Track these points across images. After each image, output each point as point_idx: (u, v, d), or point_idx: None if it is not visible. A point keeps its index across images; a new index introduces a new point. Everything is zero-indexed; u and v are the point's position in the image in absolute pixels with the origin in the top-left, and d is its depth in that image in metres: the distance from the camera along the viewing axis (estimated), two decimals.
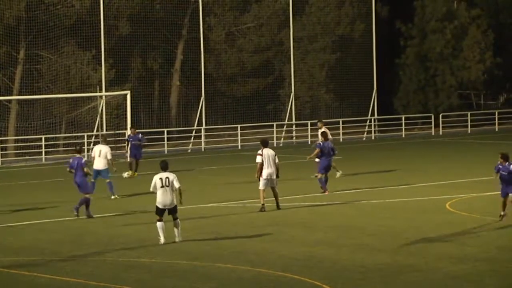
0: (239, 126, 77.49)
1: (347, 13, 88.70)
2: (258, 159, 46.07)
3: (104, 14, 76.65)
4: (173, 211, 36.37)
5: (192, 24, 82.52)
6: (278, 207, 46.37)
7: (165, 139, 76.76)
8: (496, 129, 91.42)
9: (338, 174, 58.40)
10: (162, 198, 36.43)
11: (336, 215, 46.90)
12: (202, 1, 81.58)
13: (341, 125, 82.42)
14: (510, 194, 37.24)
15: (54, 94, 76.86)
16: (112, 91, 76.42)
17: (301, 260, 33.85)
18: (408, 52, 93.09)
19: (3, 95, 75.48)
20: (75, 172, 44.58)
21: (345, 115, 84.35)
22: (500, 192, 38.40)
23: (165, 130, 77.44)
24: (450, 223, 42.45)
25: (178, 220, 36.72)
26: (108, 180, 49.06)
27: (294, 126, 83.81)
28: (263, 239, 40.04)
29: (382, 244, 36.87)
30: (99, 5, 76.53)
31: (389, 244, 36.92)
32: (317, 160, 54.61)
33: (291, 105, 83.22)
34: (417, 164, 69.54)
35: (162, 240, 36.04)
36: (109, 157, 49.87)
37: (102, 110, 75.00)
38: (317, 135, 66.99)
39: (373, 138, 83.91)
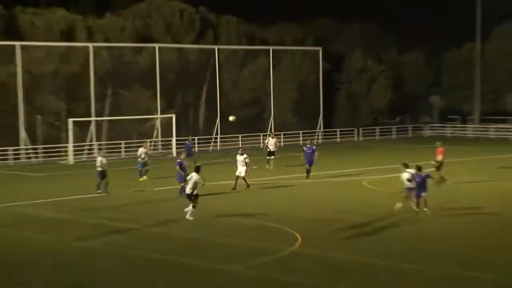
0: (240, 135, 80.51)
1: (305, 68, 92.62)
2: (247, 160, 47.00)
3: (159, 67, 78.82)
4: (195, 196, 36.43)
5: (212, 74, 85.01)
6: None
7: (196, 144, 75.50)
8: (394, 137, 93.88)
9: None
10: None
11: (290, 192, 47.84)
12: (218, 62, 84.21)
13: (300, 135, 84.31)
14: (423, 194, 36.08)
15: (129, 116, 77.40)
16: (163, 115, 78.80)
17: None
18: (341, 92, 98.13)
19: (98, 117, 75.63)
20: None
21: (303, 128, 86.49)
22: (415, 194, 36.39)
23: (196, 138, 77.11)
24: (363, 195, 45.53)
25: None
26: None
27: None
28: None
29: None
30: (155, 63, 78.75)
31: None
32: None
33: (271, 123, 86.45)
34: (346, 158, 72.09)
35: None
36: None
37: (158, 126, 78.97)
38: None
39: (320, 142, 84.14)
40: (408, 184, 36.58)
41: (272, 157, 61.17)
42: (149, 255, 29.25)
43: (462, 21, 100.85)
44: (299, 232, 32.87)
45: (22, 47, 72.53)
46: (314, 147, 55.63)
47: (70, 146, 70.44)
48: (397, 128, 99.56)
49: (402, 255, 28.56)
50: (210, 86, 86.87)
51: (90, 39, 79.01)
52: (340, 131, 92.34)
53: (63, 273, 27.01)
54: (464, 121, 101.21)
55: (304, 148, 55.83)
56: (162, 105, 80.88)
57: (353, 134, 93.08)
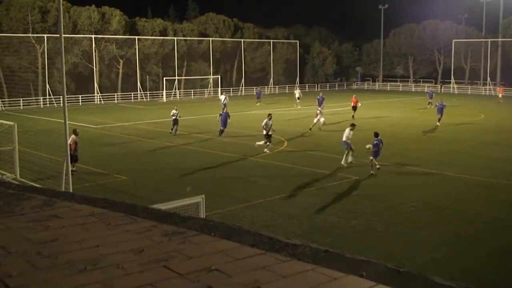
0: (254, 87, 73.90)
1: (289, 52, 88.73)
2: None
3: (212, 50, 75.84)
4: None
5: (240, 55, 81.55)
6: None
7: (231, 92, 76.34)
8: (336, 89, 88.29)
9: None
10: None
11: None
12: (243, 48, 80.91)
13: (286, 87, 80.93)
14: (373, 158, 22.92)
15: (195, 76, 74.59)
16: (213, 76, 74.21)
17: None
18: (308, 65, 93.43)
19: (179, 77, 72.41)
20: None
21: (288, 83, 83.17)
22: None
23: (231, 88, 77.00)
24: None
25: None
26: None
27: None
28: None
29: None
30: (210, 48, 75.34)
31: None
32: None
33: (271, 81, 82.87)
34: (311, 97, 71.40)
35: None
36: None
37: (211, 82, 74.46)
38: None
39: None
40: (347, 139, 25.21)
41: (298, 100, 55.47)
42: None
43: (372, 25, 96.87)
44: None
45: (139, 39, 71.61)
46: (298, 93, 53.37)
47: (164, 92, 69.41)
48: (338, 84, 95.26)
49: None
50: (238, 61, 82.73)
51: (175, 35, 76.20)
52: (308, 85, 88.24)
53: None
54: (373, 80, 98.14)
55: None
56: (213, 71, 77.13)
57: (315, 87, 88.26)
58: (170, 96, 69.83)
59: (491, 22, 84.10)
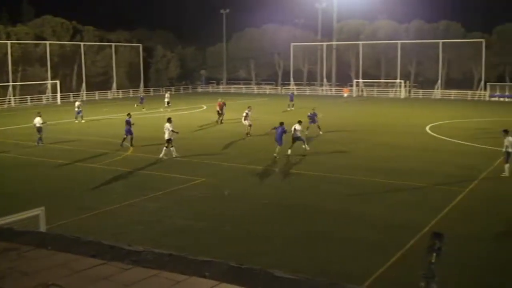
0: (96, 92, 76.50)
1: (133, 55, 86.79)
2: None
3: (49, 54, 73.37)
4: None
5: (79, 58, 78.26)
6: None
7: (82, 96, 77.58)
8: (182, 92, 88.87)
9: None
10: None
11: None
12: (83, 51, 77.84)
13: (131, 91, 79.26)
14: (279, 147, 27.44)
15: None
16: (51, 81, 73.99)
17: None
18: (152, 68, 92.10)
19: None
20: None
21: (132, 87, 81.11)
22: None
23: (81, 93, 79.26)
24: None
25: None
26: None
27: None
28: None
29: None
30: (47, 52, 73.39)
31: None
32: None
33: (114, 85, 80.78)
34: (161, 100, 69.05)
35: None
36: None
37: (49, 87, 74.25)
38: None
39: (143, 95, 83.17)
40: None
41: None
42: None
43: (215, 29, 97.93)
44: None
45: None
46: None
47: None
48: (183, 87, 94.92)
49: None
50: (79, 65, 79.46)
51: (8, 38, 71.37)
52: (152, 89, 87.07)
53: None
54: (218, 83, 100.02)
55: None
56: (51, 76, 72.97)
57: (159, 90, 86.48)
58: (4, 104, 65.51)
59: (326, 27, 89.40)
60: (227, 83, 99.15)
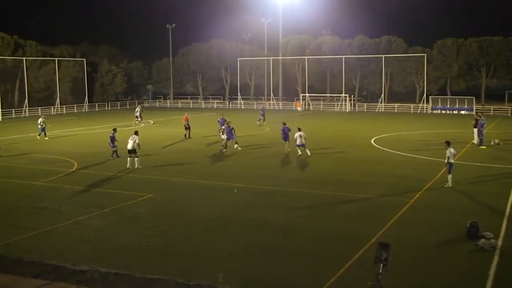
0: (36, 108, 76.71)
1: (76, 70, 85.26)
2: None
3: None
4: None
5: (21, 74, 76.99)
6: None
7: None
8: (128, 107, 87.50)
9: None
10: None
11: None
12: (26, 67, 75.99)
13: (75, 107, 78.21)
14: (287, 142, 33.22)
15: None
16: None
17: None
18: (97, 83, 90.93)
19: None
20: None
21: (76, 103, 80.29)
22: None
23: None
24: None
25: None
26: None
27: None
28: None
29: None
30: None
31: None
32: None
33: (57, 100, 79.27)
34: (104, 118, 65.07)
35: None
36: None
37: None
38: None
39: (86, 111, 79.92)
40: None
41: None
42: None
43: (161, 44, 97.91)
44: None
45: None
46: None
47: None
48: (129, 102, 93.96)
49: None
50: (21, 80, 77.76)
51: None
52: (97, 104, 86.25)
53: None
54: (165, 98, 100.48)
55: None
56: None
57: (105, 105, 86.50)
58: None
59: (272, 42, 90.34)
60: (174, 98, 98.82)
